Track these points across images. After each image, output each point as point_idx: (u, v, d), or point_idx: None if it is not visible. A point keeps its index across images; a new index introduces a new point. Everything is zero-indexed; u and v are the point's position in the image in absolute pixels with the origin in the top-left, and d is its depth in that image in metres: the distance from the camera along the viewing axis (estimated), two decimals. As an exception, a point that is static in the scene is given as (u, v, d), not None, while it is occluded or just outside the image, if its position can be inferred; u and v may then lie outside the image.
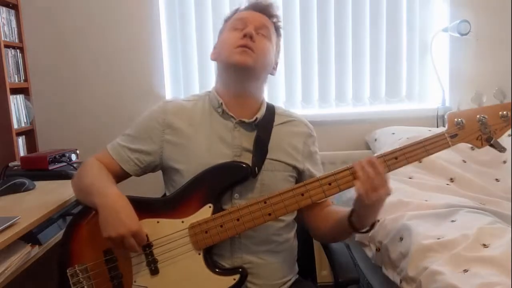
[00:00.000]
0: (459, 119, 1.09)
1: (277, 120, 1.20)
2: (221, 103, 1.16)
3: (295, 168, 1.18)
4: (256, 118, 1.16)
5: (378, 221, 1.11)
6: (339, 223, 1.11)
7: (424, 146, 1.07)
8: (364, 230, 1.08)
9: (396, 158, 1.05)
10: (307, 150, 1.22)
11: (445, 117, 1.11)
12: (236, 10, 1.24)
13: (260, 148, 1.13)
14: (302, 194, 1.04)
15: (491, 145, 1.09)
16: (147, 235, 1.06)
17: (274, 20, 1.23)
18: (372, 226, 1.09)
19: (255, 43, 1.13)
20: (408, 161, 1.06)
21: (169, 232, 1.06)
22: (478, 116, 1.08)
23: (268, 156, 1.13)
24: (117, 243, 1.00)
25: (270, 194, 1.05)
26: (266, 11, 1.21)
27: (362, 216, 1.05)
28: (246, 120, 1.15)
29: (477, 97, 1.11)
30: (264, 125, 1.17)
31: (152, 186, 1.40)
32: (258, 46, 1.14)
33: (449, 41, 2.35)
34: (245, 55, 1.12)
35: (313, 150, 1.24)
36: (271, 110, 1.22)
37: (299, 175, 1.20)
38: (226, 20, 1.25)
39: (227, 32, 1.19)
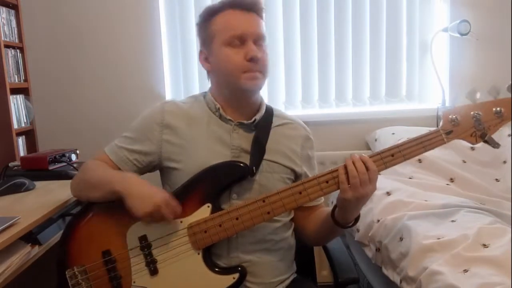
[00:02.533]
0: (454, 116, 1.09)
1: (275, 121, 1.20)
2: (219, 108, 1.15)
3: (293, 171, 1.18)
4: (255, 119, 1.16)
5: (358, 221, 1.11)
6: (324, 221, 1.14)
7: (421, 143, 1.07)
8: (348, 225, 1.10)
9: (392, 155, 1.06)
10: (305, 153, 1.22)
11: (439, 114, 1.12)
12: (216, 10, 1.13)
13: (258, 148, 1.13)
14: (300, 193, 1.05)
15: (485, 141, 1.10)
16: (146, 236, 1.06)
17: (263, 14, 1.15)
18: (356, 220, 1.10)
19: (259, 61, 1.10)
20: (405, 158, 1.07)
21: (167, 232, 1.06)
22: (472, 112, 1.09)
23: (266, 157, 1.13)
24: (155, 216, 1.00)
25: (268, 193, 1.05)
26: (255, 8, 1.13)
27: (345, 211, 1.06)
28: (245, 122, 1.15)
29: (471, 94, 1.11)
30: (262, 126, 1.17)
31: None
32: (263, 63, 1.11)
33: (449, 41, 2.35)
34: (255, 80, 1.10)
35: (311, 155, 1.24)
36: (269, 112, 1.21)
37: (296, 178, 1.20)
38: (206, 19, 1.14)
39: (224, 49, 1.10)
